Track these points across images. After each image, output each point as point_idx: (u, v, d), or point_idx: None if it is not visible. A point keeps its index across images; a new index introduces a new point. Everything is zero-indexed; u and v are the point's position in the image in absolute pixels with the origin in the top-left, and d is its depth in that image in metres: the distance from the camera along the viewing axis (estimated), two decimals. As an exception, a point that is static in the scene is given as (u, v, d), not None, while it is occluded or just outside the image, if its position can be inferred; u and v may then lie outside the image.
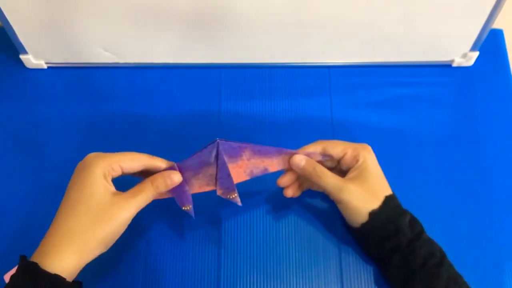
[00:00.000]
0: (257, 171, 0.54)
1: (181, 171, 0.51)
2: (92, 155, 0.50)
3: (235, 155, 0.51)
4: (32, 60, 0.68)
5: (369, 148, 0.55)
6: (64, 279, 0.44)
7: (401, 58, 0.69)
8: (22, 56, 0.67)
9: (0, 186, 0.62)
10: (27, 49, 0.66)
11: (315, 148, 0.55)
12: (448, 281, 0.50)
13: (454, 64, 0.69)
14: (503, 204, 0.61)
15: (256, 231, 0.59)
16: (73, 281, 0.46)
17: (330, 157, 0.55)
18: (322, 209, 0.60)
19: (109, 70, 0.69)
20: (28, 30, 0.63)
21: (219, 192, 0.53)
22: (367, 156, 0.53)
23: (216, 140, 0.50)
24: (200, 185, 0.53)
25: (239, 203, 0.53)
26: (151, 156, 0.52)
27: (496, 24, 0.69)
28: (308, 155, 0.54)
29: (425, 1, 0.60)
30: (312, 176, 0.54)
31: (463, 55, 0.68)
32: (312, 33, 0.64)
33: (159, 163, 0.52)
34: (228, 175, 0.52)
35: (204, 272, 0.57)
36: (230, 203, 0.56)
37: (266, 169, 0.54)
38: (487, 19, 0.62)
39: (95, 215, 0.46)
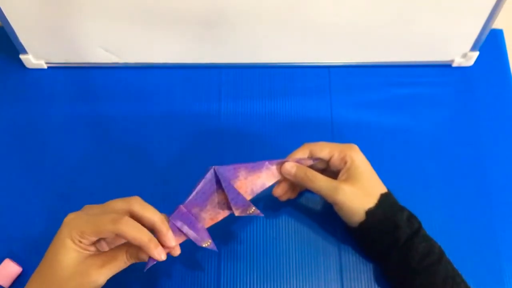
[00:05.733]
0: (257, 188, 0.53)
1: (187, 209, 0.50)
2: (68, 217, 0.46)
3: (232, 177, 0.52)
4: (32, 60, 0.68)
5: (356, 147, 0.54)
6: None
7: (401, 58, 0.69)
8: (22, 56, 0.67)
9: (0, 186, 0.62)
10: (27, 49, 0.66)
11: (303, 152, 0.55)
12: (446, 279, 0.50)
13: (454, 64, 0.69)
14: (503, 204, 0.60)
15: (256, 231, 0.59)
16: None
17: (319, 159, 0.55)
18: (322, 209, 0.60)
19: (109, 70, 0.69)
20: (28, 30, 0.63)
21: (237, 213, 0.52)
22: (355, 157, 0.53)
23: (212, 168, 0.50)
24: (211, 217, 0.52)
25: (262, 215, 0.52)
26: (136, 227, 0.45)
27: (496, 24, 0.69)
28: (298, 161, 0.54)
29: (425, 1, 0.60)
30: (305, 181, 0.54)
31: (463, 55, 0.68)
32: (312, 33, 0.64)
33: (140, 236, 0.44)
34: (238, 193, 0.51)
35: (204, 272, 0.57)
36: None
37: (264, 184, 0.54)
38: (487, 19, 0.62)
39: (59, 283, 0.44)
